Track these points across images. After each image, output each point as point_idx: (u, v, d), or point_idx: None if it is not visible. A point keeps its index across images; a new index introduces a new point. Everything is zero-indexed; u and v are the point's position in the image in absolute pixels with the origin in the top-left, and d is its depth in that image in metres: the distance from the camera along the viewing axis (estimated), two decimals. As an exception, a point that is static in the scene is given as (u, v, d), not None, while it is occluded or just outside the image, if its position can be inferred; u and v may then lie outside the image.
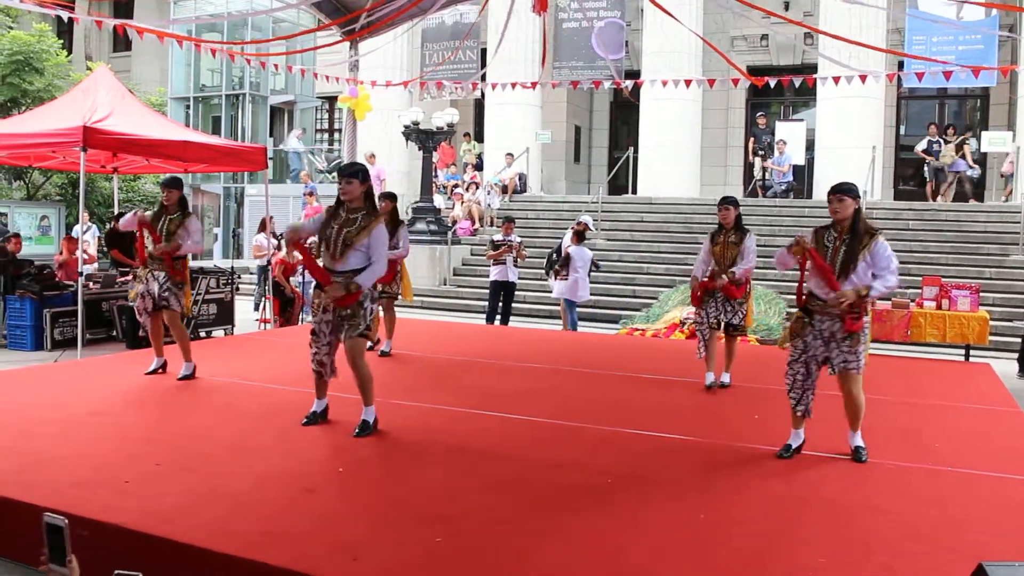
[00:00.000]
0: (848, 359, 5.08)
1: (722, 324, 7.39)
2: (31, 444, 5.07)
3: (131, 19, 17.74)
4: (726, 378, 7.48)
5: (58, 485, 4.30)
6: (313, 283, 5.70)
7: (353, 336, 5.44)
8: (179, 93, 23.85)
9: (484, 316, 12.50)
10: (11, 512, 4.02)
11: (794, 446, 5.36)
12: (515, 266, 11.97)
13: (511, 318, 12.47)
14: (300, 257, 5.87)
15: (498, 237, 12.18)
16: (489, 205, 18.41)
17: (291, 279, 12.21)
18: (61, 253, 11.91)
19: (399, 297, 8.82)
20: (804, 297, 5.29)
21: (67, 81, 19.19)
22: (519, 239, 12.27)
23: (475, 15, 18.97)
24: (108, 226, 15.48)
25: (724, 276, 7.19)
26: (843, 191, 5.14)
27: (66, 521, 2.07)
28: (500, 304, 12.19)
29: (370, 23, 10.83)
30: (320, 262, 5.53)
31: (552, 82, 15.61)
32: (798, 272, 5.39)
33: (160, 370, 7.39)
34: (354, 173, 5.48)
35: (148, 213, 7.47)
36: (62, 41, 21.59)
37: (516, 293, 12.85)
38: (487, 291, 12.69)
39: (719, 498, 4.48)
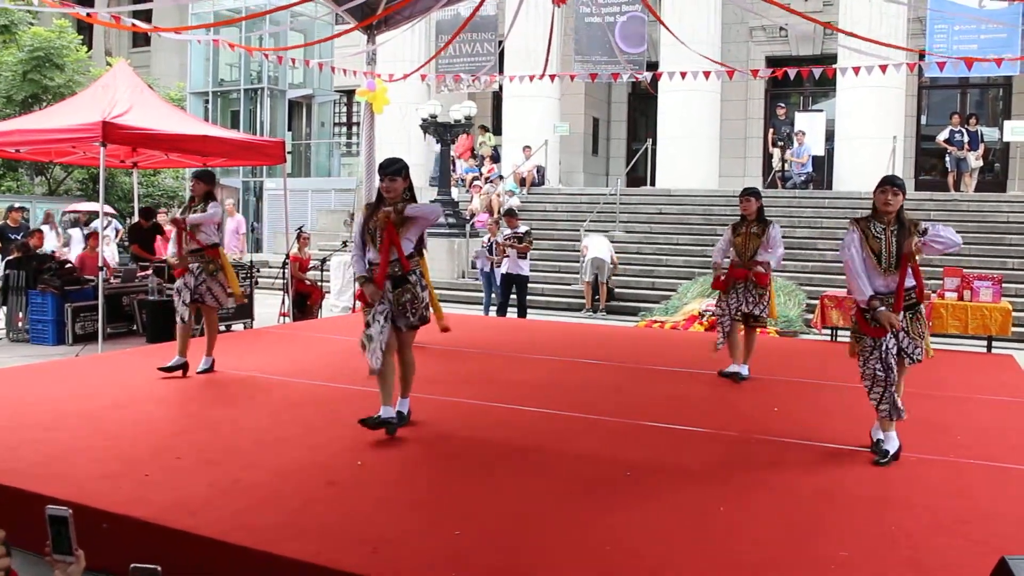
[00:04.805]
0: (920, 346, 5.05)
1: (743, 315, 7.35)
2: (54, 437, 5.11)
3: (150, 15, 17.85)
4: (744, 370, 7.43)
5: (82, 479, 4.33)
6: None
7: (415, 324, 5.42)
8: (198, 88, 23.97)
9: (496, 309, 12.48)
10: (37, 506, 4.05)
11: (891, 451, 5.01)
12: (520, 258, 11.92)
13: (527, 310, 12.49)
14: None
15: (507, 231, 12.16)
16: (505, 198, 18.40)
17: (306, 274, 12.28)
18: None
19: None
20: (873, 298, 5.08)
21: (87, 77, 19.37)
22: (524, 228, 12.25)
23: (492, 7, 18.97)
24: (129, 221, 15.61)
25: (760, 267, 7.18)
26: (898, 185, 5.04)
27: (70, 512, 2.09)
28: (515, 297, 12.18)
29: (387, 7, 10.80)
30: (368, 256, 5.41)
31: (571, 74, 15.57)
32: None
33: (180, 371, 7.11)
34: (398, 171, 5.34)
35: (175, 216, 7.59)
36: (82, 37, 21.77)
37: (532, 286, 12.86)
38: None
39: (738, 491, 4.45)
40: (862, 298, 5.04)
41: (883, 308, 4.95)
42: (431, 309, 5.72)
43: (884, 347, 5.00)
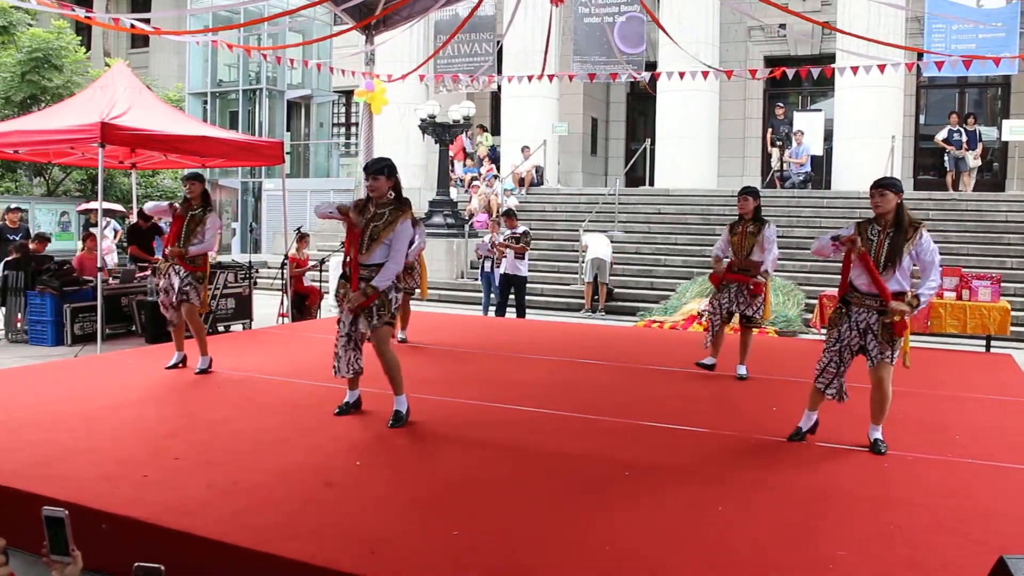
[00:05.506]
0: (885, 350, 5.08)
1: (735, 315, 7.42)
2: (53, 438, 5.11)
3: (148, 13, 17.85)
4: (742, 370, 7.45)
5: (82, 480, 4.33)
6: (339, 274, 5.77)
7: (379, 325, 5.52)
8: (196, 88, 23.99)
9: (495, 309, 12.45)
10: (36, 507, 4.04)
11: (804, 428, 5.43)
12: (518, 258, 11.88)
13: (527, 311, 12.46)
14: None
15: (507, 232, 12.15)
16: (504, 198, 18.39)
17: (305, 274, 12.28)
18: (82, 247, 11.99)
19: (415, 292, 8.92)
20: (845, 287, 5.26)
21: (85, 78, 19.34)
22: (523, 229, 12.20)
23: (490, 7, 18.96)
24: (128, 222, 15.61)
25: (760, 277, 7.25)
26: (885, 185, 5.09)
27: (66, 512, 2.11)
28: (513, 297, 12.15)
29: (385, 7, 10.81)
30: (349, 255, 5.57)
31: (569, 74, 15.57)
32: (827, 262, 5.38)
33: (180, 364, 7.46)
34: (380, 170, 5.44)
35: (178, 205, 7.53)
36: (80, 38, 21.73)
37: (531, 286, 12.82)
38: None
39: (737, 490, 4.46)
40: (823, 245, 5.26)
41: (852, 234, 5.11)
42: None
43: (843, 342, 5.18)
